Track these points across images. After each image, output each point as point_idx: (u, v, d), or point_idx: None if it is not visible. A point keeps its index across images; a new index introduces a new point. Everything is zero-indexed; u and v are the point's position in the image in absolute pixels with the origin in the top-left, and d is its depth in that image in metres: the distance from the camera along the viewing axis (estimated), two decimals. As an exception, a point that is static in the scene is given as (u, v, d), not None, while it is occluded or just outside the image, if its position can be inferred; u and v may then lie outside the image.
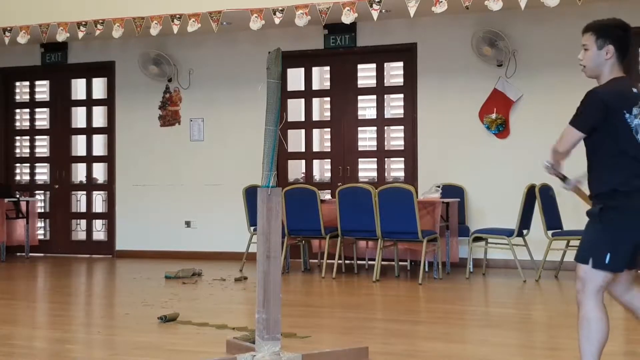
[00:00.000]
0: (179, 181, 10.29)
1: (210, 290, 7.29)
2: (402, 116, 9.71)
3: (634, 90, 3.32)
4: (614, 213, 3.24)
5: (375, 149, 9.84)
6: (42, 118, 11.39)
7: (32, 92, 11.35)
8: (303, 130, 10.10)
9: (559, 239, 7.76)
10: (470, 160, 8.99)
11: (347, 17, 8.10)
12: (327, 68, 10.14)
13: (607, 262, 3.23)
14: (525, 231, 7.91)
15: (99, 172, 11.23)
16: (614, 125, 3.25)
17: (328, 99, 10.13)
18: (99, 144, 11.06)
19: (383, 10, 8.37)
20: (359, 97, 9.86)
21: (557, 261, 8.04)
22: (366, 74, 9.90)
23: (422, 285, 7.47)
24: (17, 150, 11.46)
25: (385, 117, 9.84)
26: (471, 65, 9.03)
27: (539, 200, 7.75)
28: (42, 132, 11.31)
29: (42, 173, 11.40)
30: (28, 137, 11.37)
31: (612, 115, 3.24)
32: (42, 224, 11.22)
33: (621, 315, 6.27)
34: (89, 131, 11.05)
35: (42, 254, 10.83)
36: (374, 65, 9.75)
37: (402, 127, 9.72)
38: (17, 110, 11.45)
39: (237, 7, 8.48)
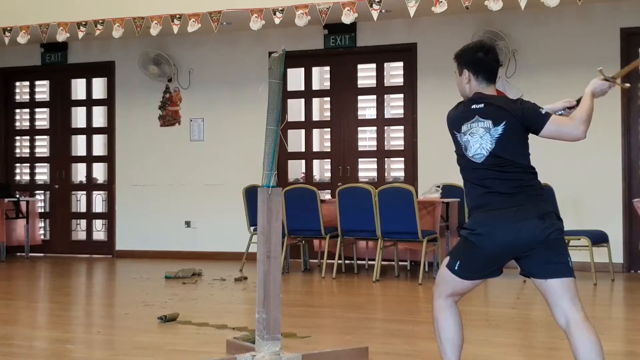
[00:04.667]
0: (179, 181, 10.29)
1: (210, 290, 7.29)
2: (402, 116, 9.71)
3: (473, 106, 3.32)
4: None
5: (375, 149, 9.84)
6: (42, 118, 11.39)
7: (32, 92, 11.35)
8: (303, 130, 10.10)
9: (559, 239, 7.74)
10: (470, 160, 8.99)
11: (347, 17, 8.10)
12: (327, 68, 10.13)
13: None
14: (525, 231, 7.90)
15: (99, 172, 11.23)
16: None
17: (328, 99, 10.13)
18: (99, 144, 11.06)
19: (383, 10, 8.37)
20: (359, 97, 9.86)
21: (557, 261, 8.02)
22: (366, 74, 9.90)
23: (422, 285, 7.47)
24: (17, 150, 11.46)
25: (385, 117, 9.84)
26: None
27: (539, 200, 7.74)
28: (42, 132, 11.31)
29: (42, 173, 11.40)
30: (28, 137, 11.37)
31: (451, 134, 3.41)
32: (42, 224, 11.21)
33: (621, 316, 6.28)
34: (89, 131, 11.04)
35: (42, 254, 10.83)
36: (374, 65, 9.74)
37: (402, 127, 9.72)
38: (17, 110, 11.45)
39: (237, 7, 8.49)
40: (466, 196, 3.45)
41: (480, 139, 3.27)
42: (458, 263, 3.36)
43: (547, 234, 3.17)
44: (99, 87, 11.11)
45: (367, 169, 9.96)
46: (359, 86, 9.85)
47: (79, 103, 11.17)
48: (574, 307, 3.15)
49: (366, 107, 10.07)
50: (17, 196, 10.83)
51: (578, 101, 3.46)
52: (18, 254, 10.71)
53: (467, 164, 3.35)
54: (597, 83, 3.46)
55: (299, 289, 7.65)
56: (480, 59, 3.41)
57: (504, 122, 3.24)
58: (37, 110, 11.39)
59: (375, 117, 9.84)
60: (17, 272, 9.21)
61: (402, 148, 9.70)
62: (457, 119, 3.37)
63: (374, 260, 8.14)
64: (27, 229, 10.44)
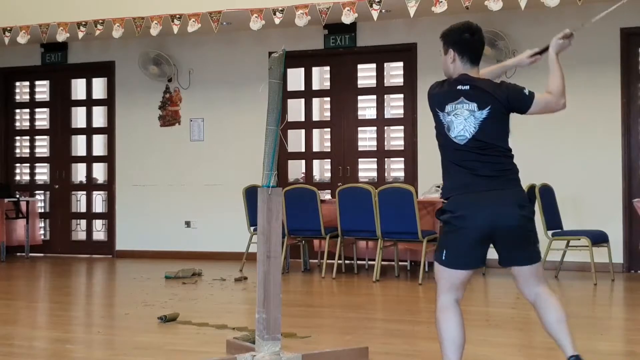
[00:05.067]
0: (179, 181, 10.29)
1: (210, 290, 7.29)
2: (402, 116, 9.71)
3: (458, 87, 3.37)
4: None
5: (375, 149, 9.84)
6: (42, 118, 11.39)
7: (32, 92, 11.34)
8: (303, 130, 10.10)
9: (559, 239, 7.76)
10: (470, 160, 8.98)
11: (347, 17, 8.11)
12: (327, 68, 10.13)
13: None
14: (525, 231, 7.90)
15: (99, 172, 11.23)
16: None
17: (328, 99, 10.13)
18: (99, 144, 11.06)
19: (383, 10, 8.37)
20: (359, 97, 9.86)
21: (557, 261, 8.03)
22: (366, 74, 9.90)
23: (422, 285, 7.47)
24: (17, 150, 11.45)
25: (385, 117, 9.83)
26: (471, 66, 9.00)
27: (539, 201, 7.74)
28: (42, 132, 11.31)
29: (42, 173, 11.40)
30: (28, 137, 11.37)
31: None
32: (42, 224, 11.22)
33: (621, 316, 6.28)
34: (89, 131, 11.04)
35: (42, 254, 10.83)
36: (374, 65, 9.74)
37: (402, 127, 9.72)
38: (17, 110, 11.45)
39: (237, 7, 8.49)
40: (445, 176, 3.46)
41: (465, 121, 3.34)
42: (444, 252, 3.38)
43: (523, 222, 3.32)
44: (99, 87, 11.11)
45: (367, 169, 9.96)
46: (359, 86, 9.85)
47: (79, 103, 11.17)
48: (541, 283, 3.41)
49: (366, 107, 10.06)
50: (17, 196, 10.83)
51: (541, 51, 3.61)
52: (18, 254, 10.71)
53: (448, 143, 3.42)
54: (557, 43, 3.54)
55: (299, 289, 7.65)
56: (467, 40, 3.43)
57: (488, 107, 3.31)
58: (37, 110, 11.39)
59: (375, 117, 9.83)
60: (17, 272, 9.21)
61: (402, 148, 9.70)
62: (442, 98, 3.43)
63: (374, 260, 8.13)
64: (27, 229, 10.44)
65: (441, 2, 7.61)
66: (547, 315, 3.37)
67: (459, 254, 3.34)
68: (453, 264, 3.36)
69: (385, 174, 9.84)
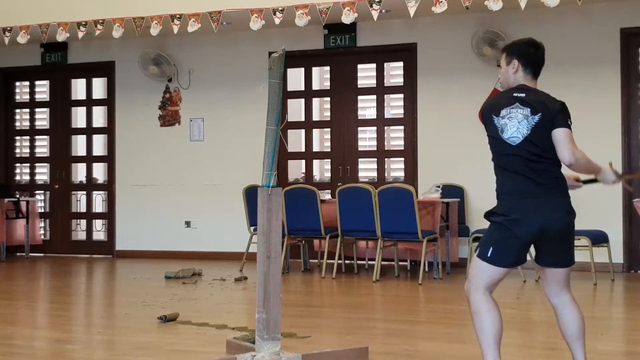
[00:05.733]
0: (179, 181, 10.29)
1: (210, 290, 7.29)
2: (402, 116, 9.71)
3: (515, 94, 3.52)
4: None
5: (375, 149, 9.84)
6: (42, 118, 11.39)
7: (32, 92, 11.35)
8: (303, 130, 10.10)
9: (559, 239, 7.74)
10: (470, 160, 8.98)
11: (347, 17, 8.10)
12: (327, 68, 10.13)
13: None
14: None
15: (99, 172, 11.23)
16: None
17: (328, 99, 10.13)
18: (99, 144, 11.06)
19: (383, 10, 8.37)
20: (359, 97, 9.86)
21: (557, 261, 8.03)
22: (366, 74, 9.90)
23: (422, 285, 7.47)
24: (17, 150, 11.46)
25: (385, 117, 9.84)
26: (471, 65, 9.02)
27: (539, 200, 7.73)
28: (42, 132, 11.31)
29: (42, 173, 11.40)
30: (28, 137, 11.37)
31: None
32: (42, 224, 11.22)
33: (621, 316, 6.28)
34: (89, 131, 11.04)
35: (42, 254, 10.83)
36: (374, 65, 9.74)
37: (402, 127, 9.72)
38: (17, 110, 11.45)
39: (237, 7, 8.49)
40: (498, 181, 3.58)
41: (518, 123, 3.46)
42: (491, 250, 3.47)
43: (569, 227, 3.52)
44: (99, 87, 11.11)
45: (367, 169, 9.96)
46: (359, 86, 9.85)
47: (79, 103, 11.17)
48: (568, 290, 3.60)
49: (366, 107, 10.07)
50: (17, 196, 10.83)
51: (584, 181, 3.75)
52: (18, 254, 10.71)
53: (500, 147, 3.51)
54: (610, 171, 3.65)
55: (299, 289, 7.65)
56: (532, 53, 3.61)
57: (540, 113, 3.44)
58: (37, 110, 11.39)
59: (375, 117, 9.83)
60: (17, 272, 9.21)
61: (402, 148, 9.70)
62: (497, 104, 3.56)
63: (374, 260, 8.14)
64: (27, 229, 10.45)
65: (441, 2, 7.61)
66: (570, 325, 3.57)
67: (508, 254, 3.47)
68: (498, 262, 3.47)
69: (385, 174, 9.84)
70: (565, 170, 3.56)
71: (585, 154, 3.47)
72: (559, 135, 3.41)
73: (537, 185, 3.43)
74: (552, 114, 3.42)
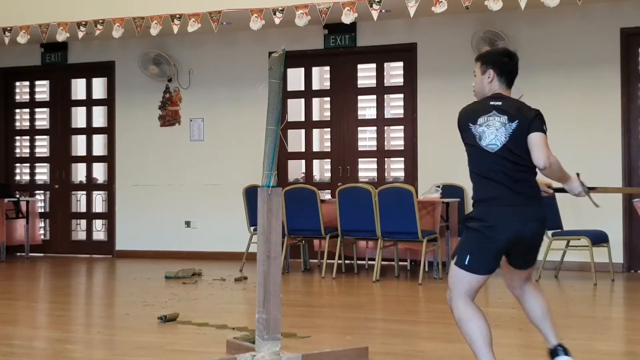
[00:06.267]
0: (179, 181, 10.29)
1: (210, 290, 7.29)
2: (402, 116, 9.71)
3: (491, 102, 3.58)
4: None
5: (375, 149, 9.84)
6: (42, 118, 11.39)
7: (32, 92, 11.35)
8: (303, 130, 10.10)
9: (559, 239, 7.75)
10: (470, 160, 8.98)
11: (347, 17, 8.10)
12: (327, 68, 10.13)
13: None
14: (525, 231, 7.90)
15: (99, 172, 11.23)
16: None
17: (328, 99, 10.13)
18: (99, 144, 11.06)
19: (383, 10, 8.37)
20: (359, 97, 9.86)
21: (557, 261, 8.04)
22: (366, 74, 9.90)
23: (422, 285, 7.47)
24: (17, 150, 11.45)
25: (385, 117, 9.84)
26: (471, 65, 8.89)
27: (539, 200, 7.73)
28: (42, 132, 11.31)
29: (42, 173, 11.40)
30: (28, 137, 11.37)
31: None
32: (42, 224, 11.22)
33: (621, 316, 6.28)
34: (89, 131, 11.04)
35: (42, 254, 10.83)
36: (374, 65, 9.74)
37: (402, 127, 9.72)
38: (17, 110, 11.45)
39: (237, 7, 8.48)
40: (475, 187, 3.61)
41: (496, 130, 3.51)
42: (468, 257, 3.49)
43: (540, 236, 3.61)
44: (99, 87, 11.11)
45: (367, 169, 9.96)
46: (359, 86, 9.85)
47: (79, 103, 11.17)
48: (529, 280, 3.79)
49: (366, 107, 10.07)
50: (17, 196, 10.83)
51: (555, 189, 3.84)
52: (18, 254, 10.71)
53: (478, 155, 3.56)
54: (577, 182, 3.74)
55: (299, 289, 7.65)
56: (506, 63, 3.68)
57: (517, 121, 3.49)
58: (37, 110, 11.39)
59: (375, 117, 9.83)
60: (17, 272, 9.21)
61: (402, 148, 9.70)
62: (474, 112, 3.62)
63: (374, 260, 8.14)
64: (27, 229, 10.44)
65: (441, 2, 7.61)
66: (534, 308, 3.73)
67: (484, 261, 3.50)
68: (476, 269, 3.50)
69: (385, 174, 9.84)
70: (537, 176, 3.60)
71: (559, 161, 3.50)
72: (534, 139, 3.44)
73: (514, 193, 3.47)
74: (529, 121, 3.47)
